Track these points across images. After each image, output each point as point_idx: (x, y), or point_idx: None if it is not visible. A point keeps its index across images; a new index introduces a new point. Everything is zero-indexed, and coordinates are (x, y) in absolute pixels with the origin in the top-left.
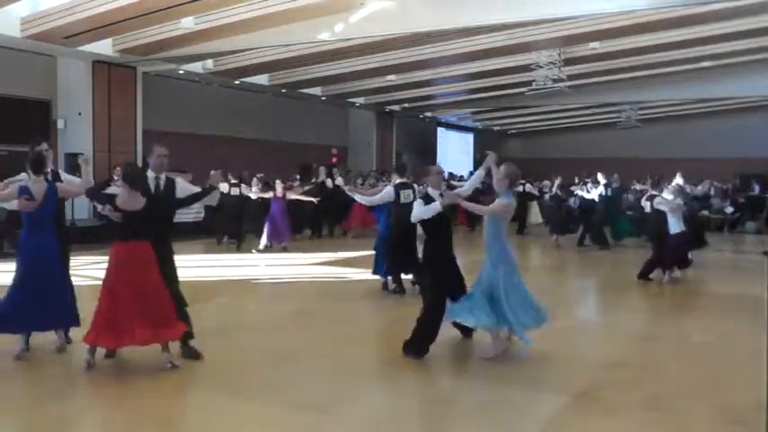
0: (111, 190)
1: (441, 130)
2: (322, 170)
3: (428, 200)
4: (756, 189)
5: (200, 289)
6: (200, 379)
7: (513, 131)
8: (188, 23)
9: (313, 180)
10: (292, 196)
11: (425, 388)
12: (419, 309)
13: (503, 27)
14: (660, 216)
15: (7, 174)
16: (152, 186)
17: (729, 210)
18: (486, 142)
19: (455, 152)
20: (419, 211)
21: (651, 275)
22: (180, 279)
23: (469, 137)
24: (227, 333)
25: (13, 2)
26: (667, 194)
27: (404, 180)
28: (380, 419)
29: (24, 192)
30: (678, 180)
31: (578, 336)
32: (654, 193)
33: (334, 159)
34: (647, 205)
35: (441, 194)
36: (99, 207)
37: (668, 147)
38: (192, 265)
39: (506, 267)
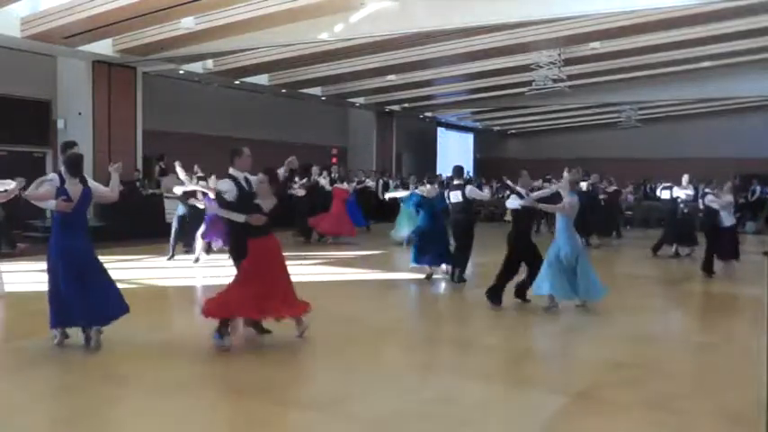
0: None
1: (441, 130)
2: (315, 170)
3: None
4: (758, 190)
5: (200, 289)
6: (201, 379)
7: (513, 131)
8: (188, 23)
9: (305, 179)
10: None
11: (425, 388)
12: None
13: (503, 27)
14: (713, 212)
15: (7, 173)
16: (243, 185)
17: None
18: (486, 142)
19: (455, 152)
20: (510, 202)
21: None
22: (180, 279)
23: (469, 137)
24: None
25: (13, 2)
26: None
27: (460, 182)
28: (381, 419)
29: (62, 193)
30: (684, 180)
31: (578, 336)
32: (707, 191)
33: (334, 159)
34: (701, 203)
35: (526, 193)
36: (243, 219)
37: (668, 147)
38: (191, 266)
39: (572, 250)
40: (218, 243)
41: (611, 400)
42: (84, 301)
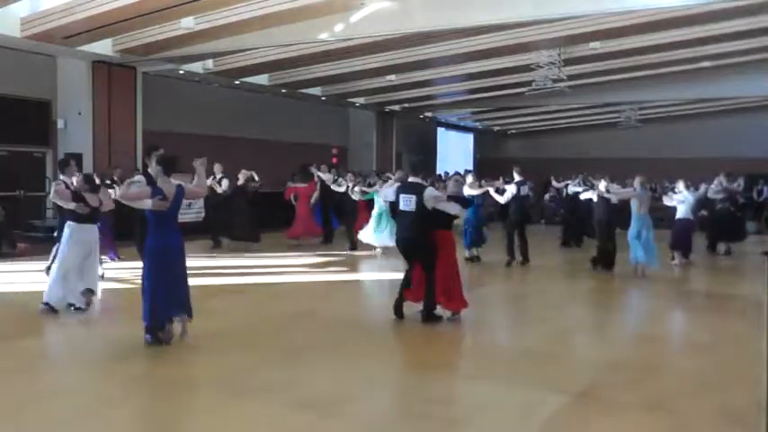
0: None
1: (441, 130)
2: (314, 168)
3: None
4: (765, 190)
5: (200, 289)
6: (201, 379)
7: (513, 131)
8: (188, 23)
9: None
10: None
11: (425, 388)
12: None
13: (503, 27)
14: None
15: (7, 173)
16: None
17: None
18: (486, 142)
19: (455, 152)
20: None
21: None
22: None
23: (469, 137)
24: (227, 334)
25: (14, 2)
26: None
27: (522, 178)
28: (380, 419)
29: (158, 192)
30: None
31: (578, 336)
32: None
33: (335, 159)
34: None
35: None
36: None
37: (668, 147)
38: (192, 266)
39: (637, 227)
40: (112, 256)
41: (611, 400)
42: (177, 294)
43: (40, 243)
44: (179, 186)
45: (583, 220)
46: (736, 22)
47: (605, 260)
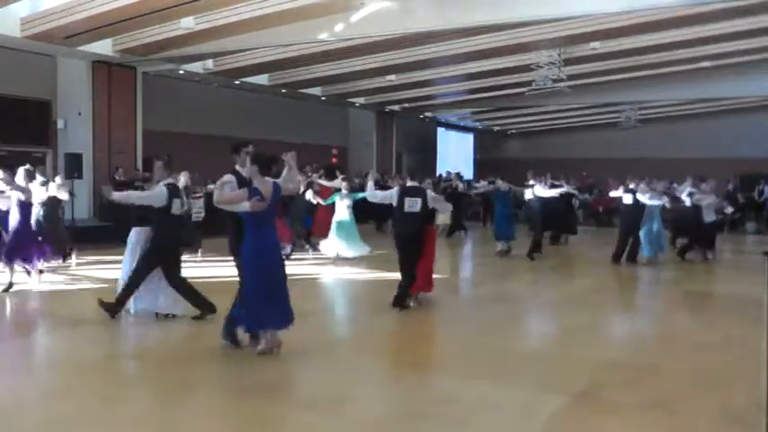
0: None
1: (441, 130)
2: (307, 168)
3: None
4: (766, 190)
5: (200, 289)
6: (200, 379)
7: (513, 131)
8: (188, 23)
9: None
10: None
11: (425, 388)
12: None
13: (503, 27)
14: (697, 209)
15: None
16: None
17: (729, 210)
18: (486, 142)
19: (455, 152)
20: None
21: (688, 256)
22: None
23: (469, 137)
24: None
25: (14, 2)
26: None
27: (534, 183)
28: (380, 419)
29: (255, 193)
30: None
31: (578, 336)
32: (692, 190)
33: (335, 159)
34: (687, 199)
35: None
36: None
37: (668, 147)
38: (190, 266)
39: (648, 221)
40: (33, 262)
41: (611, 400)
42: (277, 302)
43: None
44: (275, 184)
45: (560, 218)
46: (736, 22)
47: (630, 253)
